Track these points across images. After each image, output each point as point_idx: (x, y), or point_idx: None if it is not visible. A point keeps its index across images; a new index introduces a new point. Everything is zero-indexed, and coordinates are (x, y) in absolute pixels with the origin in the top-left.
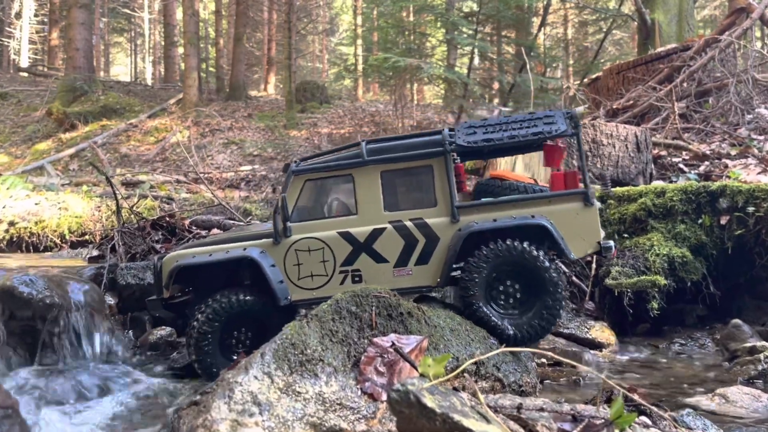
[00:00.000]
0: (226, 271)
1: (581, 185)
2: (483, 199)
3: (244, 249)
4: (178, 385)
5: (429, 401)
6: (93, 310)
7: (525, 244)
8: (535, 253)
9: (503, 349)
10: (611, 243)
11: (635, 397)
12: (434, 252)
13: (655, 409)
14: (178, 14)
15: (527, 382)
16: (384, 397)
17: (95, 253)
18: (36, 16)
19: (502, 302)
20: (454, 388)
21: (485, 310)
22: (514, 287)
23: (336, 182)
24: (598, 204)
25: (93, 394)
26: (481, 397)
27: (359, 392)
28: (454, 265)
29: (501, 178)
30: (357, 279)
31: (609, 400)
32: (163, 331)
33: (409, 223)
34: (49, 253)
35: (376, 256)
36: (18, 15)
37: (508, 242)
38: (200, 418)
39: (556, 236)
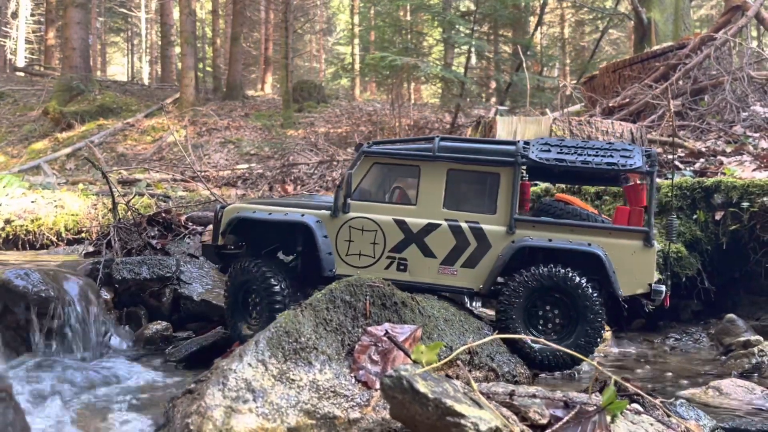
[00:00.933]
0: (280, 233)
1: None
2: (542, 218)
3: (302, 215)
4: (173, 378)
5: (422, 387)
6: (88, 304)
7: (584, 280)
8: (589, 291)
9: (495, 335)
10: (663, 288)
11: (628, 386)
12: (483, 258)
13: (648, 397)
14: (175, 14)
15: (521, 372)
16: (378, 385)
17: (91, 248)
18: (32, 15)
19: (540, 326)
20: (448, 376)
21: (520, 330)
22: (555, 313)
23: (402, 171)
24: (657, 246)
25: (88, 387)
26: (474, 384)
27: (353, 380)
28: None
29: (566, 201)
30: (402, 268)
31: (602, 390)
32: (159, 326)
33: (464, 225)
34: (45, 250)
35: (426, 249)
36: (14, 14)
37: (566, 271)
38: (194, 405)
39: (608, 268)
